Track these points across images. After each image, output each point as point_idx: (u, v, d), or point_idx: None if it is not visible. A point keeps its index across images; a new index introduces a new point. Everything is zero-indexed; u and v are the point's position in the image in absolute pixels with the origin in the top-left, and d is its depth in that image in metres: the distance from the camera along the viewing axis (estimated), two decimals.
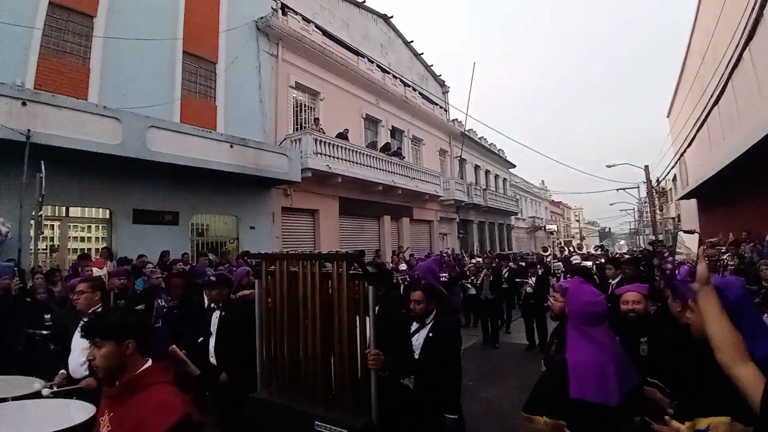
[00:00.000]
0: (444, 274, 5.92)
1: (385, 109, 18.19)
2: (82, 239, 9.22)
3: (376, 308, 2.47)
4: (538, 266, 10.31)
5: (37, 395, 2.72)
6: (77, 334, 3.36)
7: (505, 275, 9.40)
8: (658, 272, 9.31)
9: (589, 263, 11.84)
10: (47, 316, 5.15)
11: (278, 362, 2.71)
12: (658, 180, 29.63)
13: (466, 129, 23.70)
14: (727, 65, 12.93)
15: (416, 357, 2.86)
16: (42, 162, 6.46)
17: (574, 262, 12.60)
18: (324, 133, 13.33)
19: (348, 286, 2.44)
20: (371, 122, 17.76)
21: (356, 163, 14.09)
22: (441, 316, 3.92)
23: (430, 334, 2.98)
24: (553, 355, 2.67)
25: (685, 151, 19.69)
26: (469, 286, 10.12)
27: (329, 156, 12.93)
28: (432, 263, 4.34)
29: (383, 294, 3.17)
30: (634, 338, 2.66)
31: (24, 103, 6.75)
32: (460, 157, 23.74)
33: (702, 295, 1.39)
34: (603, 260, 8.86)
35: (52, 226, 8.64)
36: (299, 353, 2.60)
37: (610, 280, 5.90)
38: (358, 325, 2.45)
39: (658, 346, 2.59)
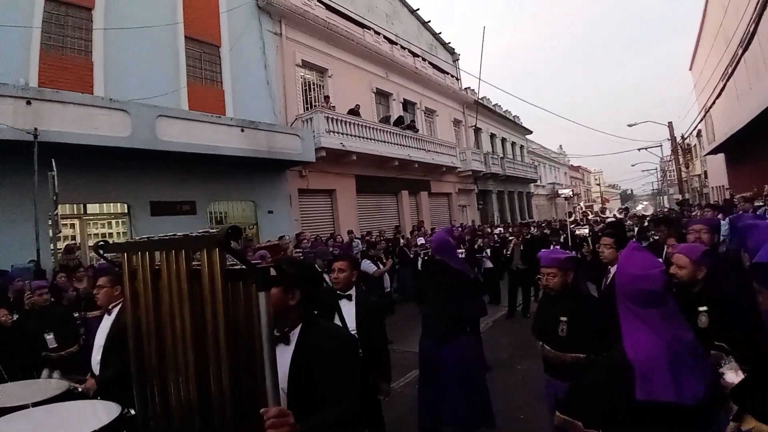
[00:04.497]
0: (461, 250, 5.38)
1: (395, 81, 17.69)
2: (103, 235, 9.15)
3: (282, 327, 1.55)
4: (561, 232, 9.96)
5: (59, 398, 2.65)
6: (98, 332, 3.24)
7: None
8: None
9: (585, 231, 10.46)
10: (76, 315, 5.11)
11: (150, 416, 1.74)
12: (683, 136, 28.49)
13: (480, 97, 23.00)
14: (753, 12, 12.09)
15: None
16: (53, 160, 6.37)
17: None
18: (335, 110, 13.01)
19: (224, 292, 1.47)
20: (382, 96, 17.32)
21: (370, 139, 13.80)
22: (464, 298, 3.57)
23: (357, 309, 2.92)
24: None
25: (712, 105, 18.78)
26: (485, 259, 9.79)
27: (342, 134, 12.65)
28: (445, 234, 3.90)
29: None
30: (691, 309, 2.32)
31: (29, 102, 6.63)
32: (475, 126, 23.16)
33: None
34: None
35: (73, 224, 8.65)
36: (172, 404, 1.65)
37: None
38: (259, 356, 1.37)
39: (723, 315, 2.29)
